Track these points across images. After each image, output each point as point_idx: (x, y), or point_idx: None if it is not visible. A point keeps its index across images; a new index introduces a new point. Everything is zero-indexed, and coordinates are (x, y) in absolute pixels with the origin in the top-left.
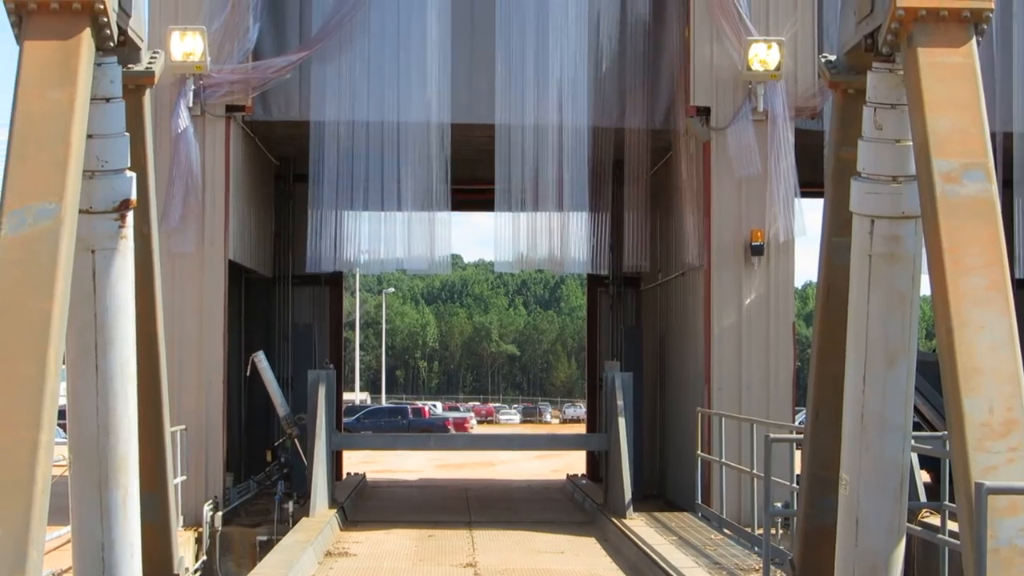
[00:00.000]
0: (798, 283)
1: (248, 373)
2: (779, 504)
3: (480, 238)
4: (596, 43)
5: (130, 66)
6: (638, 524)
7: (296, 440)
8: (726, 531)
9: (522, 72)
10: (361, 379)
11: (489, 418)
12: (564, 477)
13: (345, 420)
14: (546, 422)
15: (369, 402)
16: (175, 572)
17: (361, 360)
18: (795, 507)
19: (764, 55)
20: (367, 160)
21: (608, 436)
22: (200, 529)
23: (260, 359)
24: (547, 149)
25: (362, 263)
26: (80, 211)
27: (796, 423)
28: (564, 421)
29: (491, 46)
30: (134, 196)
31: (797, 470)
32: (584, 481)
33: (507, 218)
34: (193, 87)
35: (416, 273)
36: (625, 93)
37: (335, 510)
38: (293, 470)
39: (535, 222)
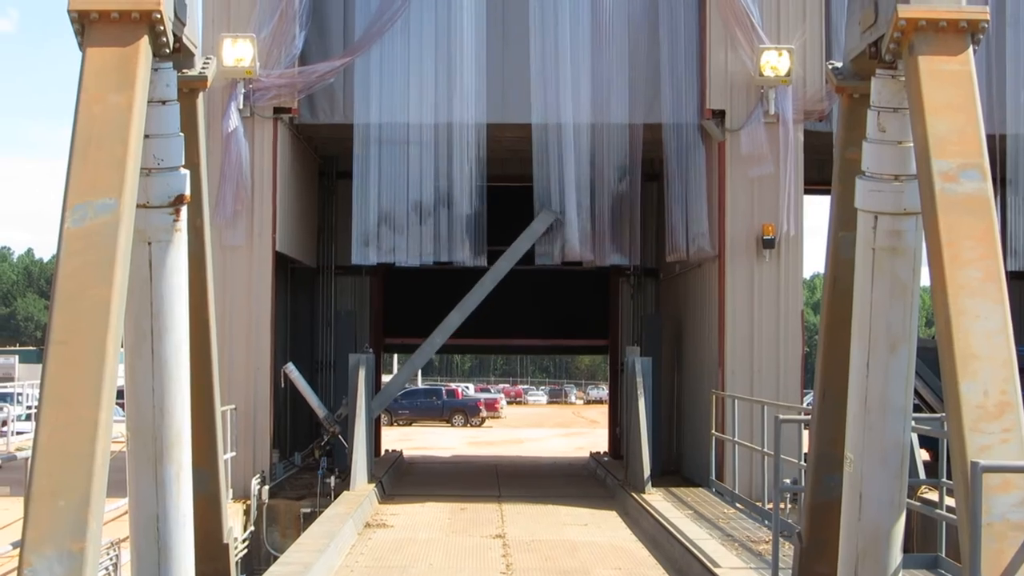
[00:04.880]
0: (806, 274)
1: (284, 385)
2: (788, 480)
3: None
4: (630, 43)
5: (185, 71)
6: (656, 499)
7: (340, 436)
8: (738, 505)
9: (556, 73)
10: (399, 363)
11: (518, 399)
12: (587, 455)
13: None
14: (571, 403)
15: (407, 384)
16: (224, 541)
17: None
18: (803, 483)
19: (775, 62)
20: (407, 160)
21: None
22: (248, 502)
23: (291, 370)
24: (580, 147)
25: (404, 258)
26: (137, 206)
27: (804, 405)
28: (588, 402)
29: (523, 48)
30: (188, 192)
31: (805, 449)
32: (606, 458)
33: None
34: (243, 90)
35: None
36: (651, 92)
37: (374, 485)
38: (335, 448)
39: (571, 216)
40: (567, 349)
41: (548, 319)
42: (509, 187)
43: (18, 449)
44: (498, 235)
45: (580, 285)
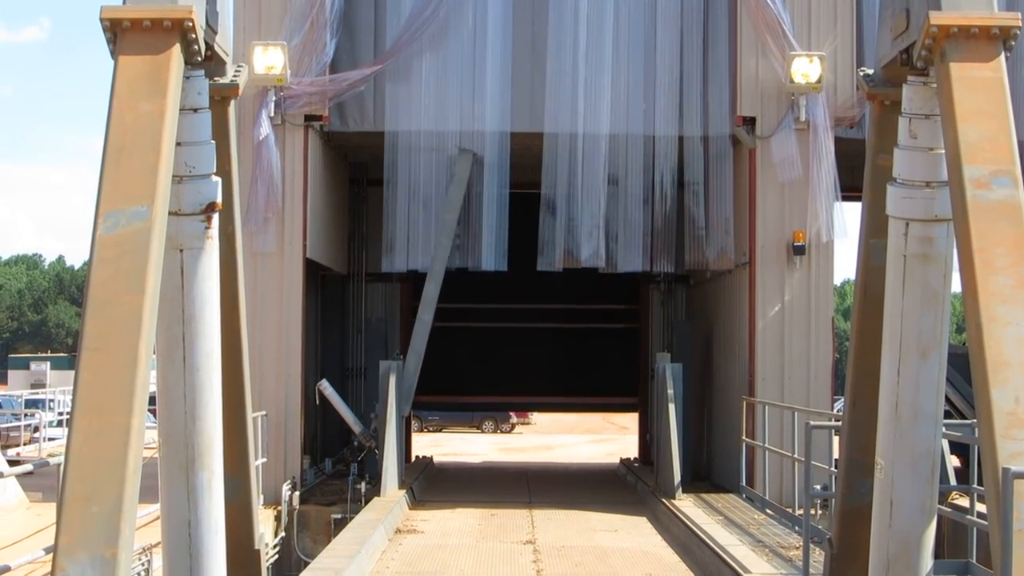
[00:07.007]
0: (836, 280)
1: (318, 402)
2: (818, 487)
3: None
4: (652, 53)
5: (216, 79)
6: (686, 505)
7: (375, 450)
8: (768, 511)
9: (577, 82)
10: None
11: None
12: (618, 461)
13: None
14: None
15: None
16: (256, 547)
17: None
18: (833, 489)
19: (806, 68)
20: (434, 167)
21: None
22: (279, 507)
23: (325, 387)
24: (599, 156)
25: (430, 263)
26: (169, 213)
27: (835, 411)
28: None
29: (552, 56)
30: (219, 199)
31: (835, 455)
32: (636, 464)
33: (553, 218)
34: (274, 98)
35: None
36: (677, 101)
37: (404, 491)
38: (366, 454)
39: (582, 221)
40: (595, 407)
41: (576, 377)
42: (537, 193)
43: (50, 455)
44: (525, 239)
45: (608, 341)
